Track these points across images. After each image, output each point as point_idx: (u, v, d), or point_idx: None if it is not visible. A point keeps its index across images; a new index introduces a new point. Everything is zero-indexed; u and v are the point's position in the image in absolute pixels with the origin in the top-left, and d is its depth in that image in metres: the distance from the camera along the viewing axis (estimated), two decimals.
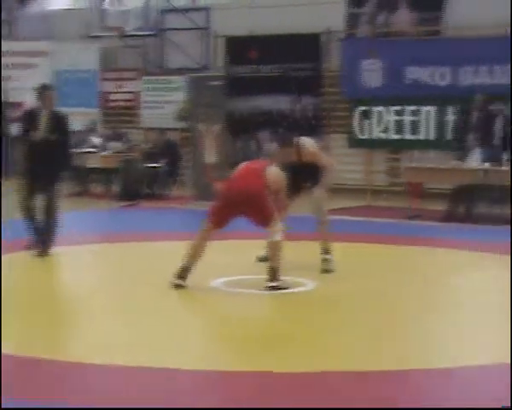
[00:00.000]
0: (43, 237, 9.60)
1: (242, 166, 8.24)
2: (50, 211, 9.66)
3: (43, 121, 9.61)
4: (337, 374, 5.42)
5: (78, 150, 16.80)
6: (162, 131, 16.75)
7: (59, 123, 9.81)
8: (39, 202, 9.70)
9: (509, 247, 9.55)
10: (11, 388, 4.91)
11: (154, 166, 16.03)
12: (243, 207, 7.89)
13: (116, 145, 16.62)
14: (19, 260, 9.38)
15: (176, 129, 18.72)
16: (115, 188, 16.62)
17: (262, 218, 7.90)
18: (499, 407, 4.70)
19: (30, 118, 9.76)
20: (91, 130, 17.80)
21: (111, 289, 8.04)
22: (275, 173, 8.15)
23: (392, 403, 4.85)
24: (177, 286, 7.74)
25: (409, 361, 5.74)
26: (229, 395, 5.05)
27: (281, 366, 5.56)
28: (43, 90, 9.82)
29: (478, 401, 4.85)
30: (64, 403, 4.80)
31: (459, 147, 14.07)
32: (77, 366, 5.52)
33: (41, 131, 9.55)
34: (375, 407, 4.79)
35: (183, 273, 7.80)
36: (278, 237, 7.87)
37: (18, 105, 19.54)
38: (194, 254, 7.86)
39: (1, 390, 4.82)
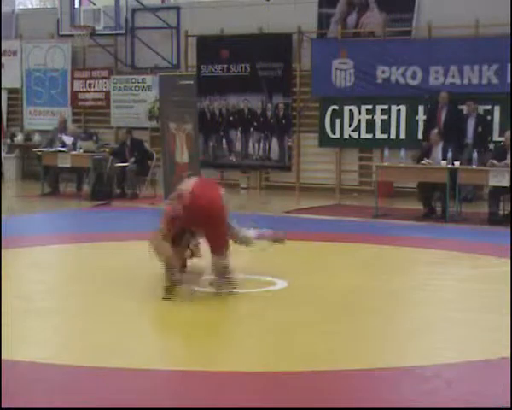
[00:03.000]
0: None
1: (196, 181, 7.76)
2: None
3: None
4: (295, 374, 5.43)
5: (49, 150, 16.75)
6: (128, 129, 16.69)
7: None
8: None
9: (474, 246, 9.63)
10: None
11: (123, 166, 15.94)
12: (203, 226, 7.50)
13: (87, 144, 16.52)
14: None
15: (146, 128, 18.68)
16: (86, 188, 16.54)
17: (217, 244, 7.51)
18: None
19: None
20: (62, 129, 17.68)
21: (74, 290, 7.96)
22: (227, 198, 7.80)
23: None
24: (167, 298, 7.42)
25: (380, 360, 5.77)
26: (185, 394, 5.04)
27: (238, 365, 5.58)
28: None
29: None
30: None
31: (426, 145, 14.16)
32: (43, 368, 5.51)
33: None
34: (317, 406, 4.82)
35: (173, 286, 7.48)
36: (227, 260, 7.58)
37: None
38: (171, 262, 7.45)
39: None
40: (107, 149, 16.73)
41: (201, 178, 8.00)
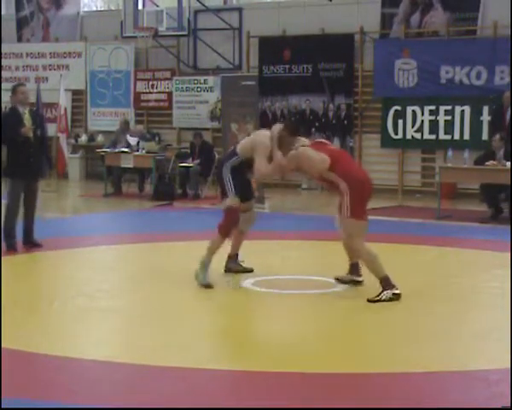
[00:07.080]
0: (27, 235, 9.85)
1: (334, 150, 7.94)
2: (33, 208, 9.84)
3: (28, 119, 9.65)
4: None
5: (112, 150, 16.93)
6: (199, 132, 16.76)
7: (39, 119, 9.96)
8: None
9: None
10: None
11: (186, 166, 16.04)
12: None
13: (149, 145, 16.66)
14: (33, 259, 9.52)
15: (207, 129, 18.74)
16: (148, 188, 16.67)
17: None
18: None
19: (12, 117, 9.70)
20: (124, 130, 17.84)
21: (136, 290, 8.00)
22: None
23: (395, 403, 4.82)
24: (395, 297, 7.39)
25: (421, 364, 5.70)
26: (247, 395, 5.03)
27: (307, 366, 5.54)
28: (17, 88, 9.81)
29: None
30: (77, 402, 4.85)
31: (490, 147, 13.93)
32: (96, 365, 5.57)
33: (29, 129, 9.58)
34: (378, 406, 4.79)
35: (388, 282, 7.43)
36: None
37: (51, 106, 19.72)
38: (376, 262, 7.50)
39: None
40: (170, 151, 16.84)
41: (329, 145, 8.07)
